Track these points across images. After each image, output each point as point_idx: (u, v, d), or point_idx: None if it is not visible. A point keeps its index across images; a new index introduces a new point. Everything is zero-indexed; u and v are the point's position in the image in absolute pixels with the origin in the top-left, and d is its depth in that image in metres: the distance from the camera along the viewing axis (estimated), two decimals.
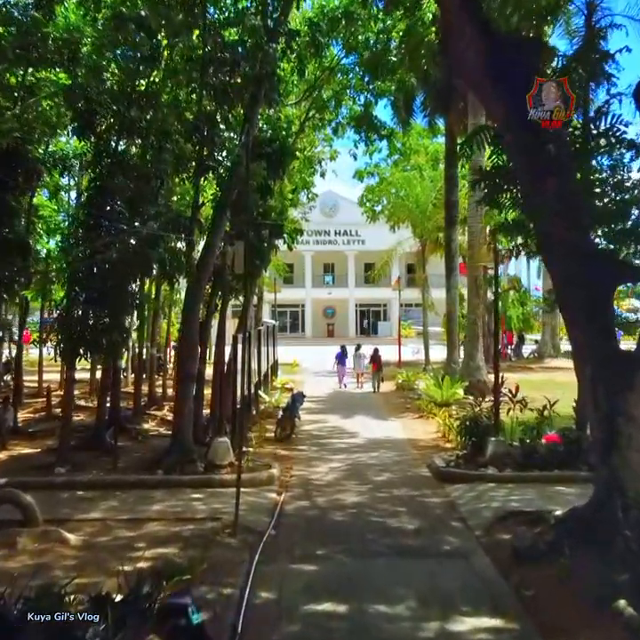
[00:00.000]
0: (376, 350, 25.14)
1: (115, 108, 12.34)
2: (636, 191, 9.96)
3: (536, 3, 11.18)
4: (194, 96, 13.14)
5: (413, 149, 29.63)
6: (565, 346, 40.14)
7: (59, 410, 15.51)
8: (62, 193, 20.87)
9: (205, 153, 12.95)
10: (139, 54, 12.37)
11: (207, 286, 14.46)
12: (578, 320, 7.98)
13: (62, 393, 14.96)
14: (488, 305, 27.75)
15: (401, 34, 17.09)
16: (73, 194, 20.03)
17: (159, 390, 20.94)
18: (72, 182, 20.02)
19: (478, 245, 22.84)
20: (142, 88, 12.95)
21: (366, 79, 19.06)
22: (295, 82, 18.56)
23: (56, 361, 17.69)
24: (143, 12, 11.23)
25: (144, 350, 20.93)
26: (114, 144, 12.70)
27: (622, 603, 6.13)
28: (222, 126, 13.55)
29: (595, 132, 7.63)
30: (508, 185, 8.53)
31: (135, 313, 17.03)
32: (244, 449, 12.26)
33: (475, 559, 7.81)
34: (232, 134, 14.38)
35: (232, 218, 13.82)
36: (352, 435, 16.15)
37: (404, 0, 14.41)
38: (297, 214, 25.94)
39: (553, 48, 8.24)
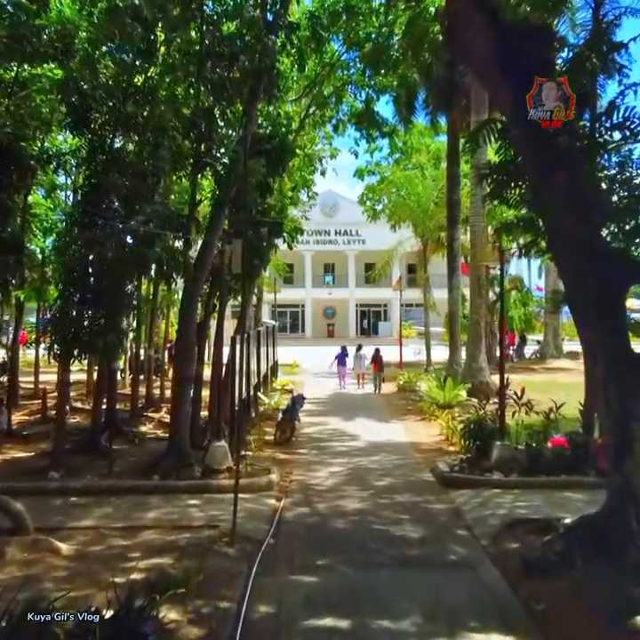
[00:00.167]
0: (377, 351, 24.93)
1: (110, 103, 12.02)
2: None
3: None
4: (191, 91, 12.83)
5: (415, 148, 29.35)
6: (568, 346, 40.04)
7: (54, 412, 15.20)
8: (59, 192, 20.55)
9: (203, 149, 12.64)
10: (135, 48, 12.02)
11: (205, 286, 14.21)
12: (589, 319, 7.68)
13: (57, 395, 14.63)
14: (489, 305, 27.49)
15: (403, 27, 16.74)
16: (69, 193, 19.71)
17: (157, 391, 20.64)
18: (69, 181, 19.74)
19: (481, 244, 22.54)
20: (139, 83, 12.62)
21: (368, 75, 18.74)
22: (295, 78, 18.28)
23: (49, 363, 17.40)
24: (137, 1, 10.88)
25: (142, 351, 20.63)
26: (109, 140, 12.37)
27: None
28: (220, 122, 13.22)
29: (608, 125, 7.30)
30: (516, 180, 8.22)
31: (132, 314, 16.72)
32: (243, 453, 12.01)
33: (482, 570, 7.50)
34: (231, 131, 14.07)
35: (231, 216, 13.52)
36: (353, 437, 15.84)
37: None
38: (297, 213, 25.63)
39: (563, 38, 7.96)
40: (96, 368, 16.15)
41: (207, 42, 12.04)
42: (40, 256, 19.66)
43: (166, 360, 24.39)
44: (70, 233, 12.67)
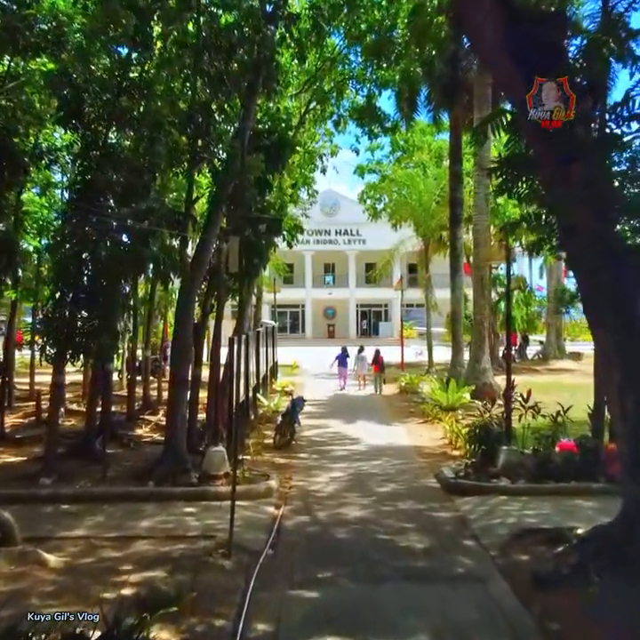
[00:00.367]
0: (377, 352, 24.66)
1: (104, 97, 11.64)
2: None
3: None
4: (188, 84, 12.44)
5: (416, 146, 29.00)
6: (570, 347, 39.71)
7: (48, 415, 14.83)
8: (55, 190, 20.17)
9: (200, 145, 12.26)
10: (130, 40, 11.63)
11: (202, 286, 13.85)
12: (603, 319, 7.30)
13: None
14: (492, 305, 27.15)
15: (407, 19, 16.34)
16: (65, 190, 19.30)
17: (154, 393, 20.26)
18: (65, 179, 19.35)
19: (484, 244, 22.17)
20: (134, 76, 12.23)
21: (369, 69, 18.35)
22: (295, 72, 17.91)
23: (41, 364, 17.02)
24: None
25: (139, 352, 20.26)
26: (103, 136, 11.98)
27: None
28: (218, 117, 12.83)
29: (625, 115, 6.93)
30: (527, 174, 7.84)
31: (128, 315, 16.35)
32: (241, 457, 11.63)
33: (491, 584, 7.11)
34: (228, 127, 13.70)
35: (228, 213, 13.15)
36: (354, 441, 15.46)
37: None
38: (297, 211, 25.27)
39: (577, 23, 7.59)
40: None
41: (204, 33, 11.65)
42: (35, 255, 19.32)
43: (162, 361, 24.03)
44: (63, 231, 12.29)
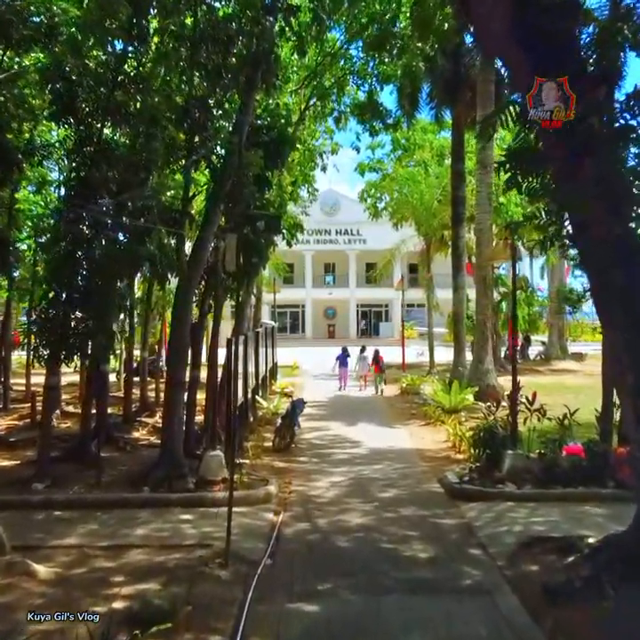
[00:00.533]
0: (377, 352, 24.43)
1: (98, 91, 11.32)
2: None
3: None
4: (185, 78, 12.11)
5: (418, 145, 28.69)
6: (572, 348, 39.38)
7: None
8: (50, 188, 19.84)
9: (197, 140, 11.94)
10: (125, 32, 11.30)
11: (200, 285, 13.54)
12: (616, 319, 6.99)
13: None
14: (494, 305, 26.84)
15: (409, 10, 15.99)
16: (61, 188, 18.98)
17: (152, 394, 19.94)
18: (62, 177, 19.03)
19: (487, 243, 21.86)
20: (130, 70, 11.91)
21: (371, 64, 18.02)
22: (295, 68, 17.59)
23: (33, 366, 16.70)
24: None
25: (137, 352, 19.95)
26: (98, 131, 11.67)
27: None
28: (216, 112, 12.49)
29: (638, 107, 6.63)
30: (537, 168, 7.54)
31: (125, 315, 16.04)
32: (240, 461, 11.33)
33: (499, 597, 6.79)
34: (227, 123, 13.37)
35: (226, 211, 12.83)
36: (355, 444, 15.13)
37: None
38: (297, 210, 24.96)
39: (589, 10, 7.29)
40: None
41: (202, 25, 11.33)
42: (31, 254, 18.98)
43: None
44: (57, 229, 11.98)
